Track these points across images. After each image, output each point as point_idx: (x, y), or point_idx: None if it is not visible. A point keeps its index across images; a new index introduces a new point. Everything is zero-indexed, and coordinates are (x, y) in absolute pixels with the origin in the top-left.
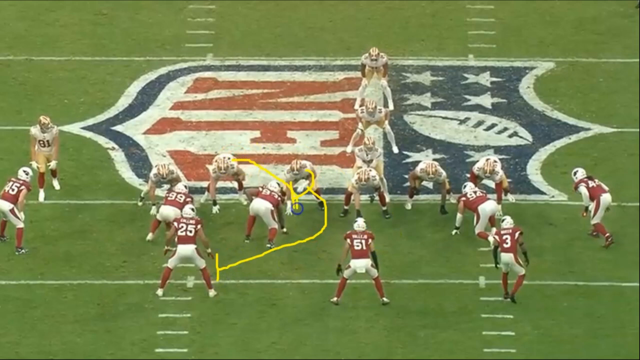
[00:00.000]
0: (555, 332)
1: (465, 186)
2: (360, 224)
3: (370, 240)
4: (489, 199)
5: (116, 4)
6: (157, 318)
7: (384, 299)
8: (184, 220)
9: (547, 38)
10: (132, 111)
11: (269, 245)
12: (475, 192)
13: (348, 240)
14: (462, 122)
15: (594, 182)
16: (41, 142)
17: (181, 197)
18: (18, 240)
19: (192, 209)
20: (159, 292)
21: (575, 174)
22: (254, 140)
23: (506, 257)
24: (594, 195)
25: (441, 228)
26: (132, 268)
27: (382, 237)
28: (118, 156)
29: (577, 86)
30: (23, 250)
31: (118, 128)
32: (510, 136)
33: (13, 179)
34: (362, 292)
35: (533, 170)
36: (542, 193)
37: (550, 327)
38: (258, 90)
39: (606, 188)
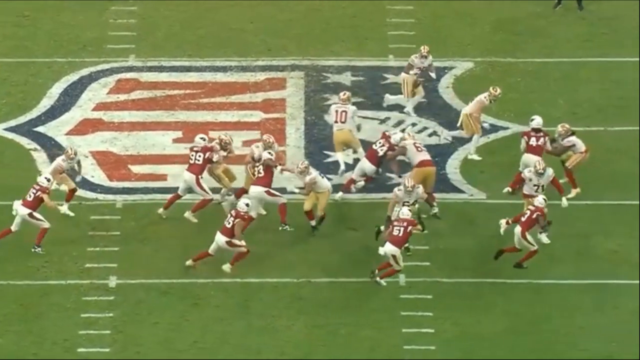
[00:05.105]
0: (475, 329)
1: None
2: (404, 211)
3: (410, 227)
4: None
5: (38, 6)
6: (80, 318)
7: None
8: (233, 212)
9: (466, 38)
10: (54, 112)
11: (283, 226)
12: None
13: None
14: (382, 121)
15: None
16: None
17: (200, 155)
18: (38, 239)
19: (247, 204)
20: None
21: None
22: (176, 141)
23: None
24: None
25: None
26: (53, 269)
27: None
28: (40, 157)
29: (496, 86)
30: (39, 249)
31: (40, 129)
32: (429, 135)
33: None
34: (283, 290)
35: (452, 169)
36: (461, 192)
37: (469, 324)
38: (180, 90)
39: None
